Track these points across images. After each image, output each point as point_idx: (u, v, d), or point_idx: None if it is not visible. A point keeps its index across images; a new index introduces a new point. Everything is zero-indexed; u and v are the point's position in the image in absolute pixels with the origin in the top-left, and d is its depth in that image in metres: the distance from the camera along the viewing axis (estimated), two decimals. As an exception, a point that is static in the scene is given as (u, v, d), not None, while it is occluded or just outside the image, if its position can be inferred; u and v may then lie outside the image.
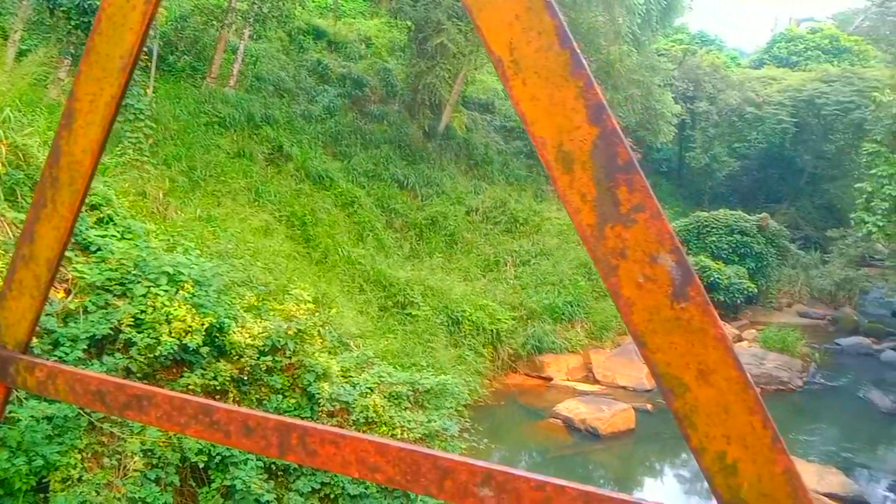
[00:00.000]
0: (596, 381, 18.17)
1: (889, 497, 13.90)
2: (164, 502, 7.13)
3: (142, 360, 7.71)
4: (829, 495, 12.72)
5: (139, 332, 7.72)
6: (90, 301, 7.75)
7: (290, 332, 8.94)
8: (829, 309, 27.03)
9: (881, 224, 20.87)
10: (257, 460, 7.86)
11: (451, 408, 10.08)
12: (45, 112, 10.75)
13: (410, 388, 9.63)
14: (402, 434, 8.92)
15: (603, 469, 14.63)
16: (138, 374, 7.67)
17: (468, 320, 17.18)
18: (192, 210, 14.40)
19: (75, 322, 7.47)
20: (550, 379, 17.86)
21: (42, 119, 10.11)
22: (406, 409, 9.43)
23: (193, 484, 7.83)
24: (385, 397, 9.28)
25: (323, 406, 8.87)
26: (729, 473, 0.97)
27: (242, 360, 8.53)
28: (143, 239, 8.91)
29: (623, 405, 15.91)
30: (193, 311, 8.06)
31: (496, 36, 1.05)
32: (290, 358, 8.89)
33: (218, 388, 8.21)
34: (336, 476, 8.17)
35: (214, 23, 19.95)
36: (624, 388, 17.69)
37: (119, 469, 7.05)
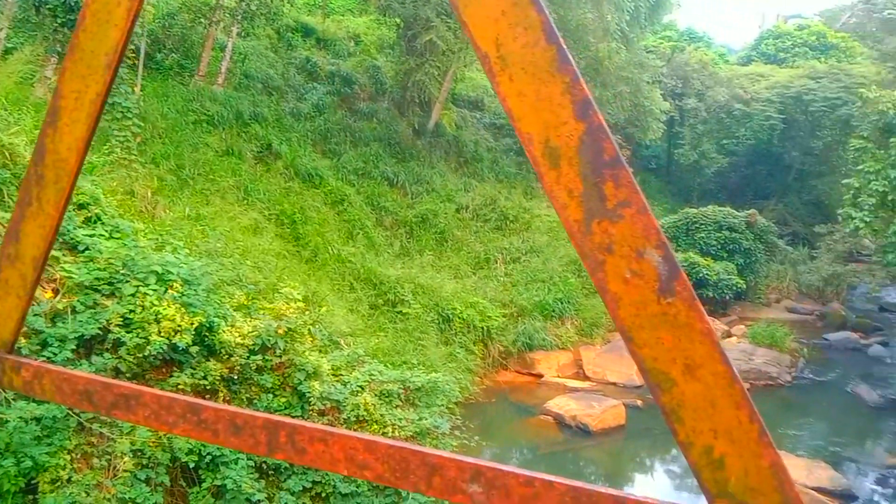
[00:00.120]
0: (586, 378, 18.23)
1: (877, 490, 14.02)
2: (154, 503, 7.11)
3: (131, 359, 7.68)
4: (818, 489, 12.83)
5: (128, 332, 7.69)
6: (78, 301, 7.70)
7: (280, 331, 8.92)
8: (817, 304, 27.19)
9: (868, 220, 20.97)
10: (248, 459, 7.84)
11: (443, 405, 10.09)
12: (31, 110, 10.69)
13: (401, 387, 9.62)
14: (393, 432, 8.92)
15: (593, 465, 14.69)
16: (127, 374, 7.64)
17: (459, 318, 17.18)
18: (181, 209, 14.34)
19: (63, 322, 7.42)
20: (541, 376, 17.90)
21: (28, 117, 10.04)
22: (397, 407, 9.43)
23: (184, 484, 7.81)
24: (376, 396, 9.28)
25: (314, 405, 8.85)
26: (716, 468, 0.97)
27: (232, 359, 8.50)
28: (131, 238, 8.87)
29: (613, 401, 15.97)
30: (183, 310, 8.03)
31: (482, 32, 1.05)
32: (280, 357, 8.87)
33: (208, 387, 8.18)
34: (327, 475, 8.16)
35: (202, 20, 19.86)
36: (614, 384, 17.74)
37: (109, 469, 7.02)
